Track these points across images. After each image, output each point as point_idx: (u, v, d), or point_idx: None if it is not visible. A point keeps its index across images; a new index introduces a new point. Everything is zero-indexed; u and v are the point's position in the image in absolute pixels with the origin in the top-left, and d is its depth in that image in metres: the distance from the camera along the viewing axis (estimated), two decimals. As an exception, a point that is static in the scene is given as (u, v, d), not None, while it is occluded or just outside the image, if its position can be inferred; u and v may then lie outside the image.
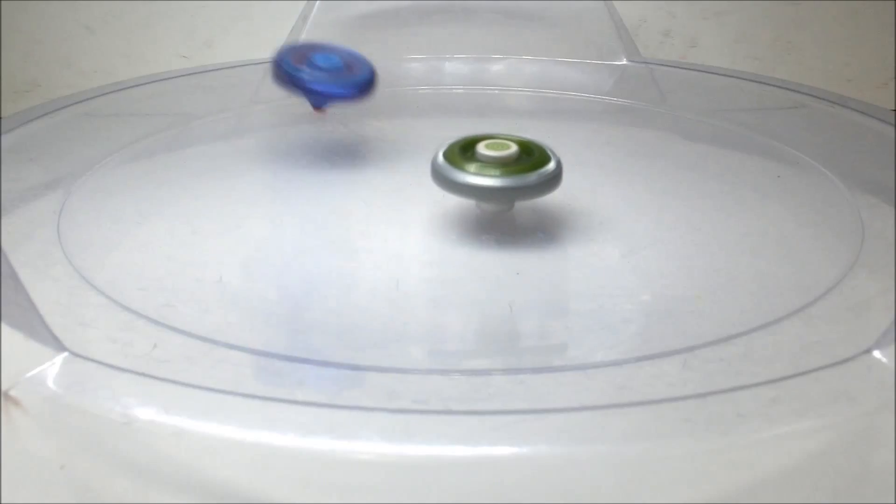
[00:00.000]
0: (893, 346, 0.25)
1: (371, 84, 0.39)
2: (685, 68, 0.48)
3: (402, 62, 0.48)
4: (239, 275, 0.31)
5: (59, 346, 0.25)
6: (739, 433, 0.23)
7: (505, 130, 0.33)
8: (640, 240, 0.32)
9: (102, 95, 0.44)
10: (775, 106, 0.45)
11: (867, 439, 0.23)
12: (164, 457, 0.23)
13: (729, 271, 0.31)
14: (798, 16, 0.54)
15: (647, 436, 0.23)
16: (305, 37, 0.48)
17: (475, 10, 0.49)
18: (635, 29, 0.53)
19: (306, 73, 0.38)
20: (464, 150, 0.32)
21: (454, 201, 0.33)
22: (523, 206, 0.33)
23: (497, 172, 0.31)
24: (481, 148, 0.31)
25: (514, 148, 0.31)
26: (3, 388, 0.23)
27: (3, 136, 0.39)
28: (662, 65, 0.49)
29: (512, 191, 0.31)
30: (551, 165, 0.31)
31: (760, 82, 0.46)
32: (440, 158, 0.32)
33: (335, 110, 0.41)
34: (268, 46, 0.40)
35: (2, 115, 0.47)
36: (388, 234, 0.33)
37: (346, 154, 0.40)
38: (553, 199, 0.33)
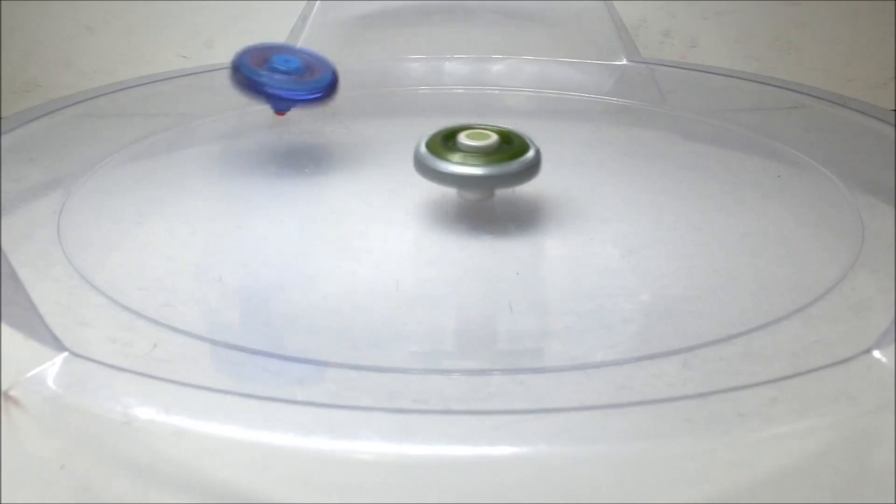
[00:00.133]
0: (893, 346, 0.25)
1: (334, 86, 0.38)
2: (685, 68, 0.48)
3: (402, 62, 0.48)
4: (239, 275, 0.31)
5: (59, 346, 0.25)
6: (739, 433, 0.23)
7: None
8: (640, 240, 0.32)
9: (102, 95, 0.44)
10: (775, 106, 0.45)
11: (867, 439, 0.23)
12: (164, 457, 0.23)
13: (729, 271, 0.31)
14: (798, 16, 0.54)
15: (647, 436, 0.23)
16: (306, 37, 0.48)
17: (475, 10, 0.49)
18: (635, 29, 0.54)
19: (269, 78, 0.37)
20: (445, 141, 0.32)
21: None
22: (522, 204, 0.33)
23: (479, 161, 0.31)
24: (462, 138, 0.32)
25: (494, 137, 0.32)
26: (3, 388, 0.23)
27: (3, 136, 0.39)
28: (662, 65, 0.49)
29: (494, 179, 0.32)
30: (531, 154, 0.32)
31: (760, 82, 0.46)
32: (422, 149, 0.32)
33: (325, 110, 0.41)
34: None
35: (2, 115, 0.47)
36: (388, 234, 0.33)
37: (346, 154, 0.39)
38: (553, 199, 0.33)
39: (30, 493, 0.24)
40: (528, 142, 0.32)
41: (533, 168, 0.32)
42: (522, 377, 0.25)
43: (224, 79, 0.38)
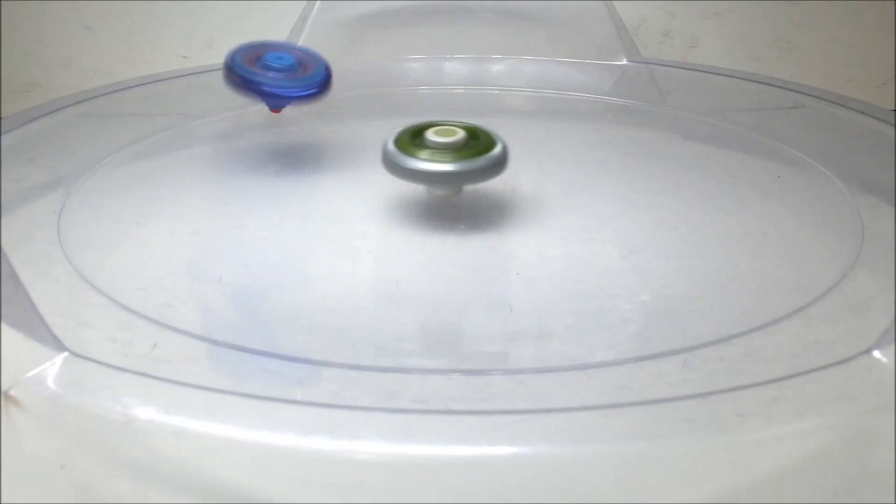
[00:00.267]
0: (893, 346, 0.25)
1: (328, 82, 0.38)
2: (685, 68, 0.48)
3: (401, 62, 0.48)
4: (238, 275, 0.31)
5: (59, 346, 0.25)
6: (739, 433, 0.23)
7: (505, 130, 0.33)
8: (640, 240, 0.32)
9: (102, 95, 0.44)
10: (775, 106, 0.45)
11: (867, 439, 0.23)
12: (164, 457, 0.23)
13: (729, 271, 0.31)
14: (798, 16, 0.54)
15: (647, 436, 0.23)
16: (306, 37, 0.48)
17: (475, 10, 0.49)
18: (635, 29, 0.54)
19: (263, 76, 0.37)
20: (413, 138, 0.32)
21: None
22: (522, 201, 0.33)
23: (446, 158, 0.32)
24: (430, 135, 0.32)
25: (461, 134, 0.32)
26: (3, 388, 0.23)
27: (3, 136, 0.39)
28: (662, 65, 0.49)
29: (461, 175, 0.32)
30: (497, 150, 0.32)
31: (760, 82, 0.46)
32: (390, 146, 0.32)
33: (326, 108, 0.41)
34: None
35: (2, 115, 0.47)
36: (389, 234, 0.33)
37: (346, 154, 0.39)
38: (553, 199, 0.33)
39: (30, 493, 0.24)
40: (495, 137, 0.33)
41: (499, 164, 0.32)
42: (522, 377, 0.25)
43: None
